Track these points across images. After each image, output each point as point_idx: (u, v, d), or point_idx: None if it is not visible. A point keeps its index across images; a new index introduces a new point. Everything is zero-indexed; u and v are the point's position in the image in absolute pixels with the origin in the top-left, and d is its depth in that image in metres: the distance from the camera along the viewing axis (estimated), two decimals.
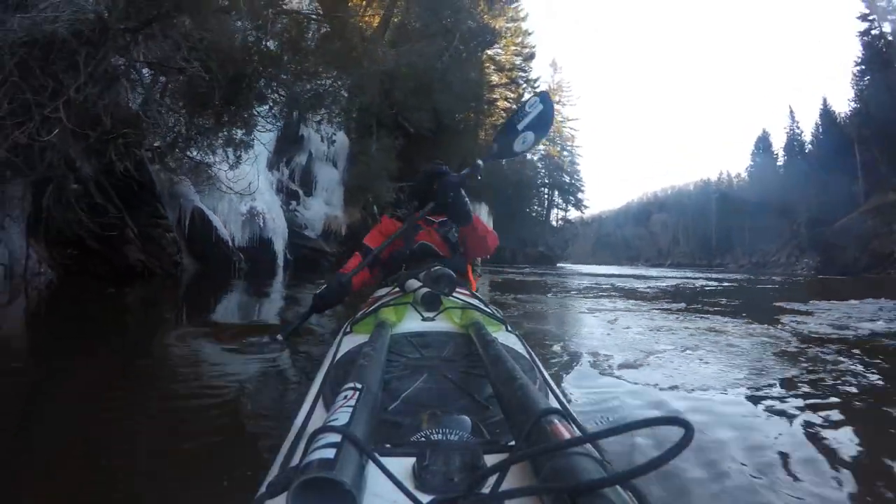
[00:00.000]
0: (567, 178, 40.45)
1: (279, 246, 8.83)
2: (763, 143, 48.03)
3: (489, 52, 23.86)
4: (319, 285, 1.61)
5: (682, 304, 5.21)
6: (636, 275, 17.34)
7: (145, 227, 5.05)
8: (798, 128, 42.70)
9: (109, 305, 3.73)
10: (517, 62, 28.04)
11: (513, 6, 26.11)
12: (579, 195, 40.87)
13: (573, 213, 43.60)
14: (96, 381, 1.89)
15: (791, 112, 43.42)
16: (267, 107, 5.44)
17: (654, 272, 24.03)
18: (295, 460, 0.48)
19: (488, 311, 1.25)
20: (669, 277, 15.18)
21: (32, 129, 3.42)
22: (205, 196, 6.46)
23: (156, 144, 4.66)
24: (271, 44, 5.15)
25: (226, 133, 5.01)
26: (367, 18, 17.00)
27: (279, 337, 1.81)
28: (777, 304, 5.78)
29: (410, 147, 12.53)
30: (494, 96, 26.09)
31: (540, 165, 38.09)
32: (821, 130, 38.78)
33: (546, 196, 38.68)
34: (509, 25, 26.82)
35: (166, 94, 4.49)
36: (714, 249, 54.44)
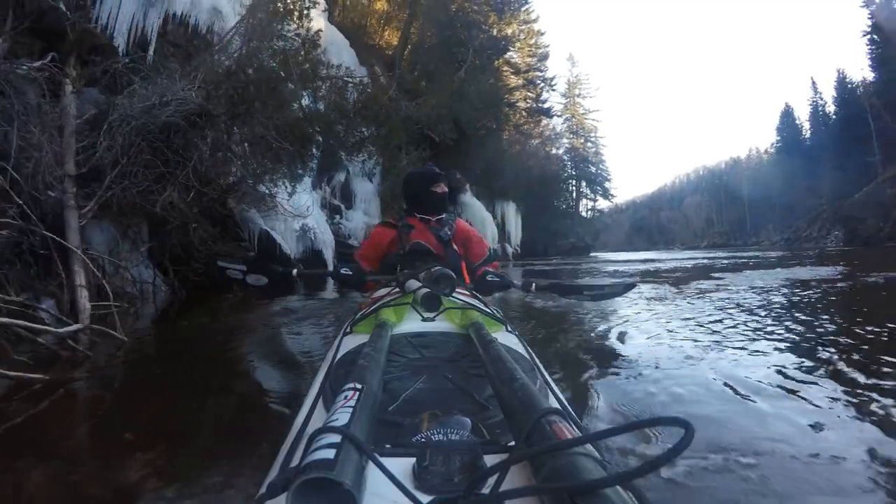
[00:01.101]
0: (593, 169, 39.34)
1: (328, 255, 9.41)
2: (787, 118, 44.80)
3: (504, 56, 23.60)
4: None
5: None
6: (662, 259, 16.28)
7: (232, 249, 6.00)
8: (821, 99, 39.52)
9: (206, 308, 4.63)
10: (532, 62, 27.50)
11: (523, 9, 25.54)
12: (606, 184, 39.58)
13: (602, 203, 42.77)
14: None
15: (813, 83, 40.34)
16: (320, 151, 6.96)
17: (684, 255, 22.72)
18: (295, 460, 0.47)
19: (488, 311, 1.21)
20: (695, 259, 14.26)
21: (172, 192, 4.50)
22: (267, 219, 7.25)
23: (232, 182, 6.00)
24: (321, 105, 6.63)
25: (287, 171, 6.29)
26: (386, 37, 17.41)
27: (295, 272, 1.73)
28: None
29: (437, 155, 12.74)
30: (514, 99, 25.66)
31: (566, 158, 37.27)
32: (837, 102, 36.36)
33: (573, 188, 37.67)
34: (522, 28, 26.29)
35: (247, 150, 5.74)
36: (749, 228, 51.58)
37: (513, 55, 25.86)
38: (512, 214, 22.28)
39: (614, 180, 39.86)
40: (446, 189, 1.92)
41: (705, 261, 12.87)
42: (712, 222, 62.73)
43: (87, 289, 3.25)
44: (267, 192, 6.28)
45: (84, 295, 3.16)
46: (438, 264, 1.22)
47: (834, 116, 37.23)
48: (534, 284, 1.73)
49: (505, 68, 24.58)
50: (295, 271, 1.66)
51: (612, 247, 59.03)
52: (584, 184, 39.02)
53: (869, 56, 31.12)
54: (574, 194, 37.65)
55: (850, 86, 35.31)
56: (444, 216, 1.92)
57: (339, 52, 12.71)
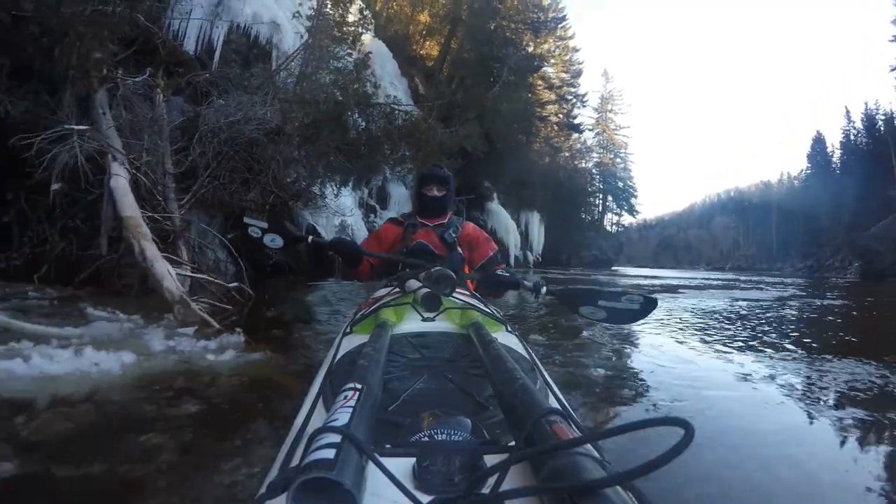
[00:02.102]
0: (620, 184, 38.65)
1: None
2: (818, 146, 42.31)
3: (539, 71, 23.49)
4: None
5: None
6: (683, 279, 16.00)
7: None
8: (854, 128, 36.70)
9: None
10: (566, 78, 27.16)
11: (560, 26, 25.17)
12: (632, 200, 38.88)
13: (627, 219, 42.10)
14: None
15: (847, 112, 37.39)
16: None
17: (706, 275, 22.79)
18: (295, 460, 0.46)
19: (488, 311, 1.18)
20: (710, 282, 14.10)
21: (257, 194, 5.18)
22: (312, 215, 7.92)
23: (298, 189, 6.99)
24: (373, 127, 7.56)
25: (338, 178, 7.31)
26: (427, 48, 17.83)
27: (310, 238, 1.60)
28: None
29: (468, 165, 13.03)
30: (545, 113, 25.45)
31: (594, 171, 36.68)
32: (864, 134, 34.83)
33: (600, 201, 36.98)
34: (557, 44, 26.00)
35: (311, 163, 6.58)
36: (774, 252, 48.74)
37: (547, 70, 25.58)
38: (536, 224, 22.13)
39: (645, 195, 39.31)
40: (443, 192, 1.79)
41: (720, 284, 12.60)
42: (738, 245, 59.75)
43: (188, 262, 3.66)
44: (318, 193, 7.08)
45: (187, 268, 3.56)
46: (439, 265, 1.18)
47: (860, 147, 35.48)
48: (545, 288, 1.55)
49: (539, 83, 24.33)
50: (310, 238, 1.58)
51: (638, 262, 57.28)
52: (610, 198, 38.65)
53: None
54: (600, 208, 37.35)
55: (877, 118, 33.74)
56: (447, 220, 1.81)
57: (382, 62, 13.17)
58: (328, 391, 0.70)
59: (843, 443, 1.59)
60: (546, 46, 24.43)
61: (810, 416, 1.82)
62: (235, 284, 3.51)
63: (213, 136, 4.69)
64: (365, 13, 9.70)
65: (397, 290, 1.31)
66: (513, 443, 0.50)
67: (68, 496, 1.08)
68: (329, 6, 7.58)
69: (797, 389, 2.14)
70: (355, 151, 6.92)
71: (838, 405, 1.96)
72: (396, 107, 7.72)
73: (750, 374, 2.37)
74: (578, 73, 27.99)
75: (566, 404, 0.67)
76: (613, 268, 30.39)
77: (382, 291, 1.43)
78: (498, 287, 1.57)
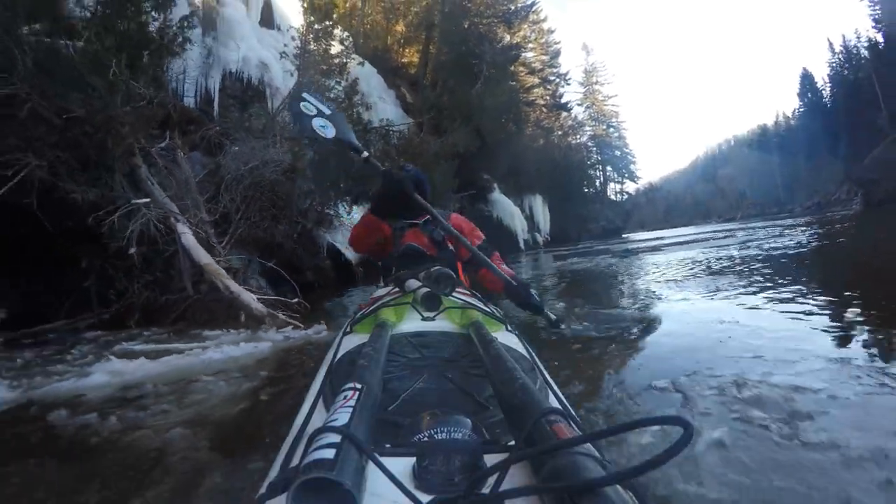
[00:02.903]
0: (617, 153, 38.20)
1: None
2: (806, 82, 41.06)
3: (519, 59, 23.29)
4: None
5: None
6: (689, 235, 15.84)
7: (312, 258, 7.29)
8: (840, 59, 35.86)
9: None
10: (546, 60, 26.97)
11: (532, 10, 24.89)
12: (631, 167, 38.55)
13: (630, 186, 41.90)
14: None
15: (830, 44, 36.46)
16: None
17: (715, 228, 22.42)
18: (295, 460, 0.45)
19: (488, 310, 1.16)
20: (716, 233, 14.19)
21: (285, 226, 5.80)
22: (329, 233, 8.55)
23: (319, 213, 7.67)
24: (372, 150, 8.06)
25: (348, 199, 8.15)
26: (408, 55, 18.26)
27: (364, 154, 1.46)
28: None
29: (463, 162, 13.38)
30: (531, 97, 25.35)
31: (591, 144, 36.40)
32: (846, 66, 34.22)
33: (600, 173, 36.77)
34: (532, 28, 25.83)
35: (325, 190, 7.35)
36: (781, 196, 47.59)
37: (527, 55, 25.40)
38: (539, 206, 22.14)
39: (649, 159, 39.42)
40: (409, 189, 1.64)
41: (721, 236, 12.29)
42: (745, 193, 58.22)
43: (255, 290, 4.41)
44: (333, 214, 7.78)
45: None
46: (435, 265, 1.16)
47: (846, 79, 34.57)
48: (562, 325, 1.42)
49: (521, 69, 24.26)
50: (364, 154, 1.45)
51: (650, 226, 55.62)
52: (609, 168, 38.62)
53: (871, 18, 29.15)
54: (601, 179, 37.41)
55: (859, 47, 33.05)
56: (430, 216, 1.62)
57: (367, 79, 13.26)
58: (328, 391, 0.69)
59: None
60: (522, 34, 24.31)
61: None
62: (296, 300, 4.22)
63: (237, 183, 5.32)
64: (346, 43, 10.33)
65: (397, 289, 1.29)
66: (513, 443, 0.50)
67: (276, 405, 1.82)
68: (312, 44, 8.09)
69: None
70: (361, 175, 7.70)
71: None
72: (390, 128, 8.45)
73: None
74: (557, 54, 27.80)
75: (566, 404, 0.66)
76: (623, 235, 29.90)
77: (382, 291, 1.42)
78: (525, 305, 1.38)
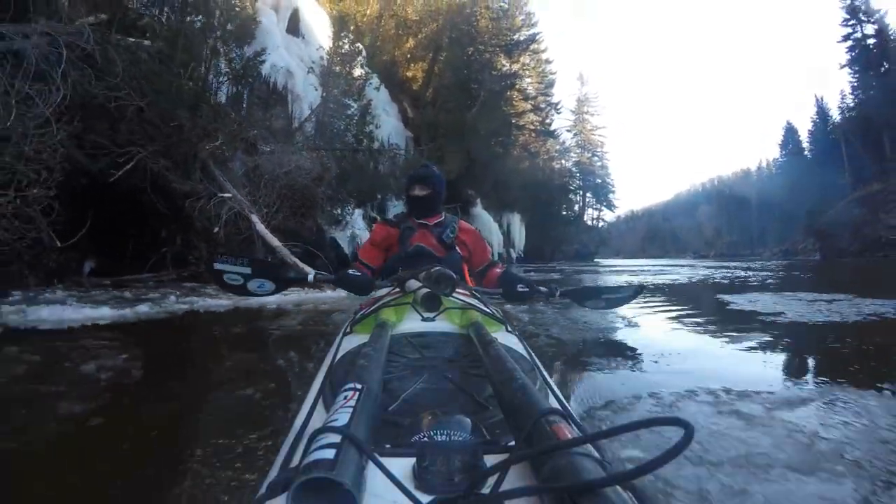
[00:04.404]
0: (598, 181, 40.37)
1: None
2: (789, 135, 44.71)
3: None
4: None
5: None
6: (663, 267, 16.79)
7: (321, 249, 8.21)
8: (820, 117, 39.12)
9: None
10: (540, 88, 28.68)
11: (533, 41, 26.70)
12: (610, 196, 40.54)
13: (609, 215, 44.38)
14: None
15: (817, 100, 39.75)
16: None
17: (687, 262, 24.03)
18: (295, 460, 0.45)
19: (488, 311, 1.15)
20: (692, 269, 14.65)
21: (311, 223, 6.99)
22: (331, 230, 9.64)
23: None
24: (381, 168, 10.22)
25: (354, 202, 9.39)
26: (413, 70, 19.90)
27: (311, 276, 1.44)
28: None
29: (450, 177, 15.13)
30: (522, 122, 26.87)
31: (574, 170, 38.54)
32: (819, 127, 37.36)
33: (580, 198, 39.23)
34: (532, 58, 27.51)
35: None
36: (755, 240, 50.90)
37: (524, 81, 26.98)
38: (517, 224, 23.13)
39: (633, 187, 41.22)
40: (428, 191, 1.75)
41: (702, 271, 12.93)
42: (721, 233, 61.28)
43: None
44: (340, 214, 8.93)
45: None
46: (439, 265, 1.16)
47: (822, 138, 37.59)
48: (558, 291, 1.61)
49: (515, 94, 25.62)
50: (311, 276, 1.43)
51: (627, 253, 58.01)
52: (589, 195, 41.50)
53: (851, 85, 31.99)
54: (581, 204, 40.05)
55: (827, 113, 36.39)
56: (442, 218, 1.77)
57: (373, 93, 14.00)
58: (328, 391, 0.69)
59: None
60: (522, 60, 25.79)
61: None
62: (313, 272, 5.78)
63: (273, 182, 6.45)
64: (363, 61, 11.92)
65: (397, 289, 1.28)
66: (513, 443, 0.50)
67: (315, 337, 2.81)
68: (337, 66, 9.59)
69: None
70: (372, 189, 9.67)
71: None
72: (398, 152, 10.57)
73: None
74: (552, 84, 29.35)
75: (566, 404, 0.66)
76: (596, 259, 31.54)
77: (382, 291, 1.40)
78: (521, 300, 1.53)
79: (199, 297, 4.32)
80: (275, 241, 5.36)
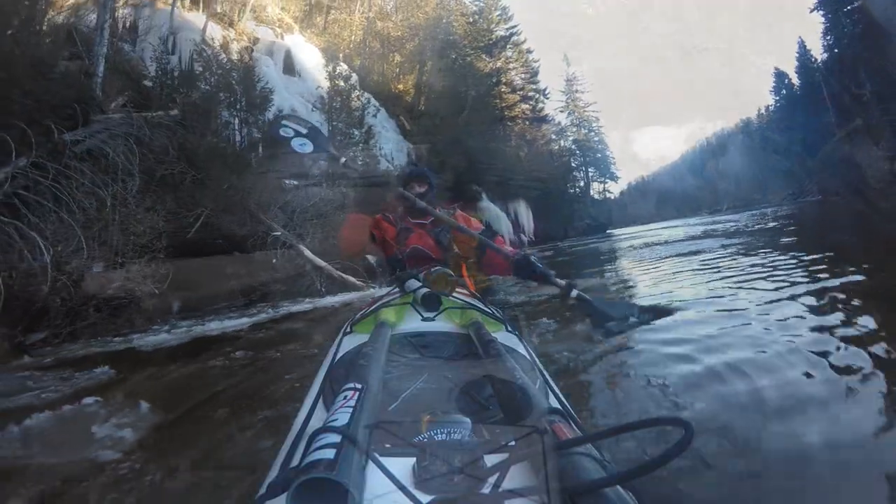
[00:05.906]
0: (598, 155, 40.27)
1: (372, 260, 13.04)
2: (779, 79, 42.72)
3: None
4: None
5: None
6: (675, 227, 17.05)
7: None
8: (810, 58, 36.88)
9: None
10: (526, 77, 28.67)
11: (510, 40, 26.99)
12: (611, 168, 40.63)
13: (613, 186, 43.61)
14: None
15: (801, 43, 37.83)
16: None
17: (700, 220, 23.46)
18: (295, 460, 0.45)
19: (488, 311, 1.13)
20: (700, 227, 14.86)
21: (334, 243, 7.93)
22: None
23: None
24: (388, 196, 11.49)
25: None
26: (404, 81, 21.07)
27: (343, 160, 1.71)
28: None
29: (455, 178, 14.92)
30: (514, 113, 27.10)
31: (574, 148, 38.96)
32: (801, 70, 35.79)
33: (583, 174, 39.51)
34: (513, 50, 27.70)
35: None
36: (766, 187, 48.99)
37: (510, 74, 27.27)
38: (523, 210, 24.38)
39: (642, 154, 41.18)
40: (423, 188, 1.72)
41: (711, 227, 13.02)
42: (732, 185, 59.37)
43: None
44: None
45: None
46: (438, 266, 1.13)
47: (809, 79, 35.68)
48: (575, 291, 1.38)
49: (504, 88, 25.98)
50: (343, 160, 1.62)
51: (643, 219, 55.99)
52: (592, 169, 41.84)
53: (824, 27, 30.26)
54: (586, 180, 39.70)
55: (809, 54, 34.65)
56: (434, 217, 1.67)
57: (372, 119, 14.35)
58: (328, 391, 0.69)
59: None
60: (504, 55, 26.05)
61: None
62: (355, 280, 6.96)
63: (302, 213, 7.74)
64: (360, 92, 12.91)
65: (397, 289, 1.27)
66: (513, 443, 0.48)
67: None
68: (337, 102, 10.81)
69: None
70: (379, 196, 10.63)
71: None
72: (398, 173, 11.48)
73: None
74: (536, 72, 29.27)
75: (566, 404, 0.65)
76: (608, 231, 31.20)
77: (382, 291, 1.41)
78: (530, 273, 1.34)
79: (275, 309, 5.62)
80: (320, 262, 6.57)
